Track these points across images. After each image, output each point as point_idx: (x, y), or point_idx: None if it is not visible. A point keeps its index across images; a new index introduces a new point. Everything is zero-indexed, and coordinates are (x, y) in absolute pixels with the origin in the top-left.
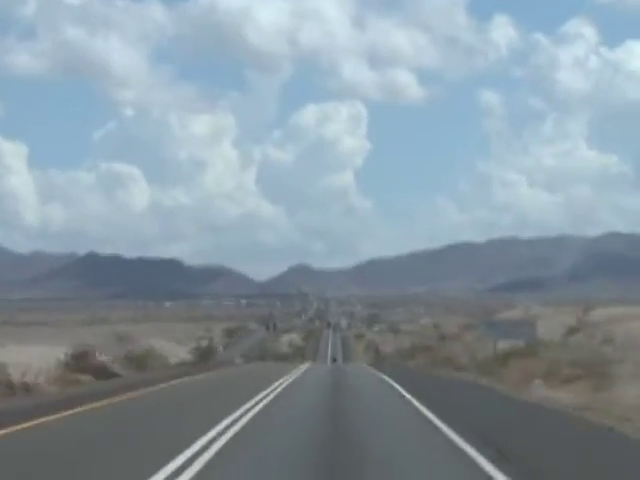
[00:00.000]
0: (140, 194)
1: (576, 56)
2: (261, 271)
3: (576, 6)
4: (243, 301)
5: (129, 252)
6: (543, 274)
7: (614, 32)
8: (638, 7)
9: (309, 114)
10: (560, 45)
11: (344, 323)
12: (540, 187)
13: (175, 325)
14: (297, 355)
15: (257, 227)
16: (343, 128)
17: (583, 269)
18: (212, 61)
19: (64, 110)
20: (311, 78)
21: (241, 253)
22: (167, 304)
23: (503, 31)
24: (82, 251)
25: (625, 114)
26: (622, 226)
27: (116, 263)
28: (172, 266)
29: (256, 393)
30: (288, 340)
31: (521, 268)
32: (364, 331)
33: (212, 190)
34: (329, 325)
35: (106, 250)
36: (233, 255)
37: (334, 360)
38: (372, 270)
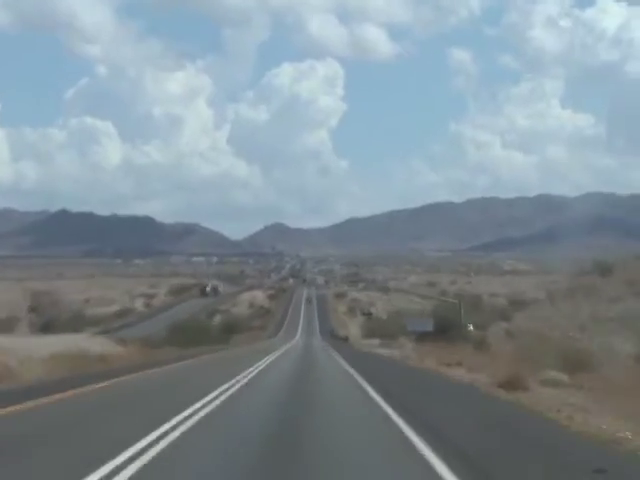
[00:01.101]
0: (113, 152)
1: (550, 15)
2: (236, 230)
3: None
4: (214, 259)
5: (101, 210)
6: (523, 233)
7: None
8: None
9: (281, 73)
10: (534, 3)
11: (321, 280)
12: (515, 147)
13: (125, 282)
14: (259, 321)
15: (232, 186)
16: (316, 86)
17: (563, 228)
18: (180, 15)
19: (29, 65)
20: (283, 36)
21: (216, 212)
22: (136, 262)
23: None
24: (54, 209)
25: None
26: (596, 186)
27: (88, 220)
28: (145, 224)
29: None
30: (249, 299)
31: (501, 227)
32: (345, 289)
33: (184, 148)
34: (304, 281)
35: (78, 207)
36: (208, 214)
37: (309, 302)
38: (349, 229)
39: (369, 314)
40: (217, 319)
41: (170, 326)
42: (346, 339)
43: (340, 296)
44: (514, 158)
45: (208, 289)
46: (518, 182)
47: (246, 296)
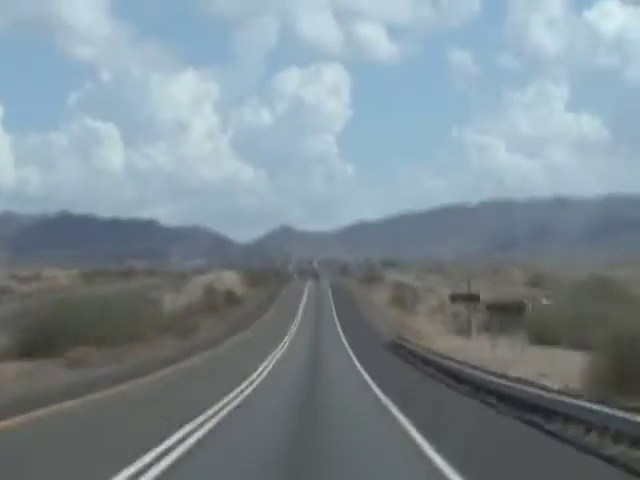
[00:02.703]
0: (115, 156)
1: (552, 16)
2: (243, 234)
3: None
4: (199, 261)
5: (104, 213)
6: (542, 236)
7: None
8: None
9: (285, 76)
10: (536, 5)
11: (334, 271)
12: (522, 151)
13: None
14: (209, 319)
15: (237, 191)
16: (320, 90)
17: (586, 231)
18: (178, 17)
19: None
20: (285, 38)
21: (222, 216)
22: (130, 262)
23: None
24: (54, 212)
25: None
26: (601, 188)
27: (89, 223)
28: (149, 227)
29: None
30: (209, 282)
31: (518, 230)
32: (377, 273)
33: (188, 153)
34: (316, 276)
35: (79, 210)
36: (213, 218)
37: (315, 278)
38: (359, 233)
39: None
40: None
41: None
42: None
43: (370, 281)
44: (519, 161)
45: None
46: (525, 185)
47: (207, 278)
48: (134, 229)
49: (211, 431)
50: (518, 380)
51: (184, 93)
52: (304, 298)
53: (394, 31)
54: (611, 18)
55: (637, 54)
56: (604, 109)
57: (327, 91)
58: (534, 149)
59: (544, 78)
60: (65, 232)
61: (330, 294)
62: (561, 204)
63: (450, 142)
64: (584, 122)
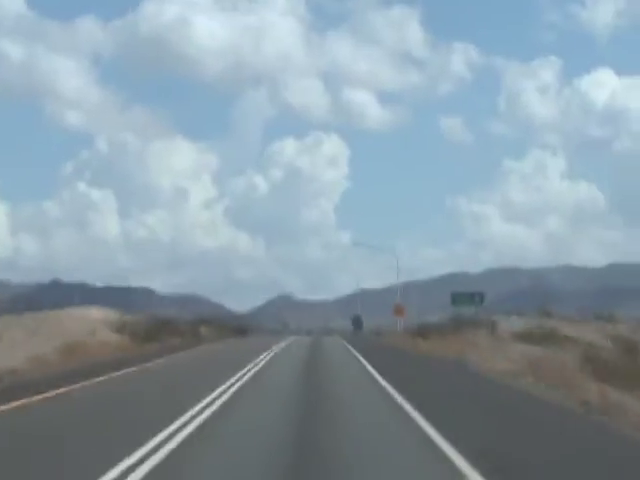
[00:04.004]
0: (110, 225)
1: (544, 84)
2: (240, 303)
3: (542, 36)
4: None
5: (96, 282)
6: (547, 303)
7: (581, 61)
8: (606, 36)
9: (282, 146)
10: (528, 73)
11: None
12: (519, 220)
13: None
14: None
15: (234, 260)
16: (317, 159)
17: (592, 298)
18: (163, 82)
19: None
20: (279, 106)
21: (218, 285)
22: None
23: (464, 56)
24: (47, 281)
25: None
26: (603, 258)
27: (81, 291)
28: (143, 296)
29: None
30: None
31: (524, 296)
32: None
33: (185, 222)
34: (310, 334)
35: (71, 278)
36: (210, 287)
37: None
38: (358, 302)
39: None
40: None
41: None
42: None
43: (408, 337)
44: (516, 230)
45: None
46: (524, 253)
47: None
48: (128, 297)
49: None
50: None
51: (180, 162)
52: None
53: (385, 98)
54: (606, 87)
55: (631, 124)
56: (600, 178)
57: (323, 160)
58: (530, 217)
59: (539, 146)
60: (57, 299)
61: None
62: (562, 272)
63: (445, 211)
64: (581, 190)
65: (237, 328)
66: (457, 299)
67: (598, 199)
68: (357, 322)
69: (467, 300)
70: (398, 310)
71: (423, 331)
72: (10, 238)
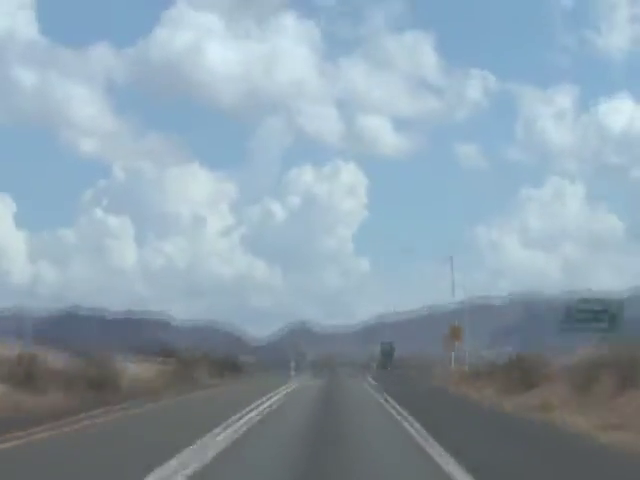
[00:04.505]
0: (127, 253)
1: (561, 110)
2: (257, 332)
3: (560, 63)
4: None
5: (114, 308)
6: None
7: (599, 87)
8: (624, 62)
9: (297, 173)
10: (544, 100)
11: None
12: (537, 247)
13: None
14: None
15: (251, 289)
16: (334, 187)
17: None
18: (177, 109)
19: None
20: (292, 134)
21: (235, 314)
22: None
23: (481, 82)
24: (64, 310)
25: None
26: (621, 284)
27: (98, 321)
28: (160, 324)
29: None
30: None
31: (550, 326)
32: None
33: (200, 251)
34: (331, 370)
35: (90, 306)
36: (227, 316)
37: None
38: (380, 331)
39: None
40: None
41: None
42: None
43: None
44: (536, 257)
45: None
46: (544, 281)
47: None
48: (145, 325)
49: None
50: None
51: (197, 190)
52: None
53: (401, 125)
54: (623, 113)
55: None
56: (619, 204)
57: (340, 187)
58: (549, 245)
59: (556, 173)
60: (74, 328)
61: None
62: (582, 300)
63: (463, 238)
64: (599, 217)
65: (230, 365)
66: (577, 315)
67: (617, 226)
68: (388, 352)
69: (590, 318)
70: (454, 333)
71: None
72: (29, 265)
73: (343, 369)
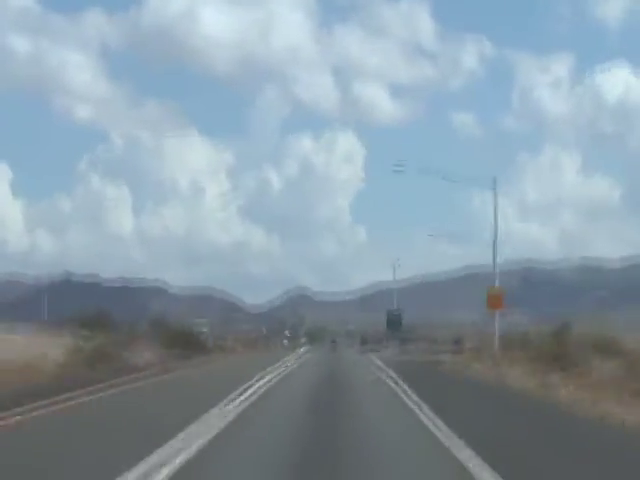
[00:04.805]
0: (124, 221)
1: (558, 78)
2: (255, 297)
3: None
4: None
5: (109, 278)
6: (568, 300)
7: (596, 55)
8: (620, 30)
9: (296, 141)
10: (542, 68)
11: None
12: (534, 216)
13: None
14: None
15: (248, 256)
16: (332, 156)
17: (613, 299)
18: (173, 76)
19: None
20: (290, 101)
21: (233, 282)
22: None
23: (477, 49)
24: (59, 277)
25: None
26: (619, 251)
27: (93, 289)
28: (157, 293)
29: None
30: None
31: (547, 296)
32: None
33: (198, 218)
34: (333, 343)
35: (84, 273)
36: (224, 284)
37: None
38: (377, 298)
39: None
40: None
41: None
42: None
43: None
44: (531, 226)
45: None
46: (540, 249)
47: None
48: (141, 292)
49: None
50: None
51: (194, 158)
52: None
53: (397, 92)
54: (621, 81)
55: None
56: (616, 172)
57: (337, 155)
58: (546, 214)
59: (553, 142)
60: (69, 296)
61: None
62: (581, 268)
63: (460, 208)
64: (596, 185)
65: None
66: None
67: (615, 192)
68: (395, 321)
69: None
70: (494, 300)
71: None
72: (26, 234)
73: (344, 341)
